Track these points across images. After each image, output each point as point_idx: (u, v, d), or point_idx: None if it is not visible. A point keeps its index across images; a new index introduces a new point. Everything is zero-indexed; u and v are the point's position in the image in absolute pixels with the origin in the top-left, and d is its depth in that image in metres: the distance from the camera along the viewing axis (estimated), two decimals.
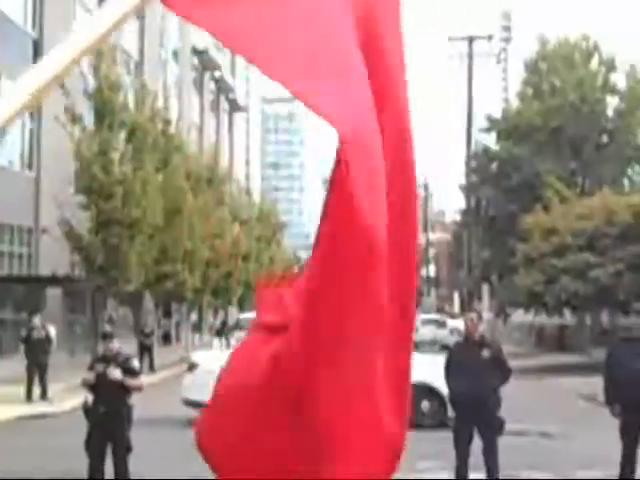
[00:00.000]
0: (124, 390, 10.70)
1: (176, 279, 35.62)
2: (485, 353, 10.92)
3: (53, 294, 32.02)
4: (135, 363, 11.09)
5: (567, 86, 40.27)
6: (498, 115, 46.21)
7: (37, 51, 31.91)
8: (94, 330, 32.16)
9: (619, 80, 41.72)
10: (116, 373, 10.61)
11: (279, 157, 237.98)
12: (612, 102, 41.62)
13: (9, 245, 30.16)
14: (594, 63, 41.76)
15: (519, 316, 53.06)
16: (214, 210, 42.48)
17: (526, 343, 49.74)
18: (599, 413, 19.93)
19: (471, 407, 10.75)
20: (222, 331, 41.61)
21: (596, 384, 21.66)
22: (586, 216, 32.29)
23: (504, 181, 40.75)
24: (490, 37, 51.17)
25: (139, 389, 10.92)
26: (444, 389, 17.36)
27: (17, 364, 24.68)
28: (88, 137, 28.71)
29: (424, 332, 52.06)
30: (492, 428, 10.86)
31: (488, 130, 43.91)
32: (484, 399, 10.76)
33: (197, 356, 20.39)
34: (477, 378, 10.73)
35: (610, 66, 41.66)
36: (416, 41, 49.57)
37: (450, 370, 11.18)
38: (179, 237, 34.97)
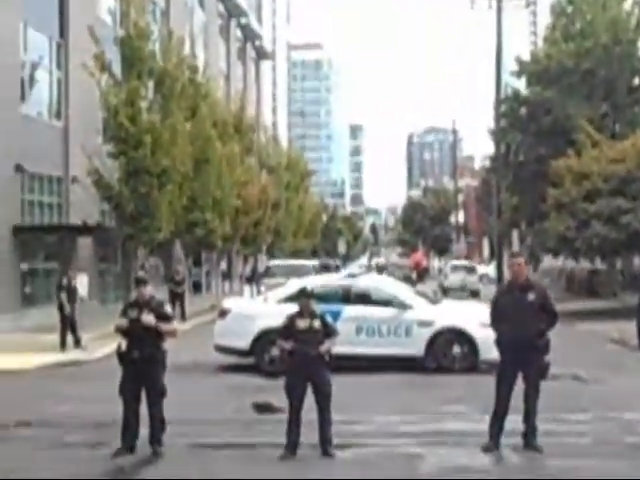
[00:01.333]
0: (158, 335, 10.77)
1: (206, 227, 35.72)
2: (531, 296, 10.86)
3: (84, 243, 32.25)
4: (168, 308, 11.13)
5: (599, 27, 39.59)
6: (527, 59, 45.53)
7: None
8: (125, 279, 32.43)
9: None
10: (150, 318, 10.68)
11: (306, 105, 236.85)
12: None
13: (39, 195, 30.32)
14: (627, 4, 40.99)
15: (549, 261, 52.94)
16: (242, 158, 42.45)
17: (556, 288, 49.59)
18: (630, 357, 19.99)
19: (518, 351, 10.69)
20: (252, 278, 41.85)
21: (626, 329, 21.67)
22: (618, 160, 31.92)
23: (534, 125, 40.25)
24: None
25: (173, 334, 10.99)
26: (475, 334, 17.53)
27: (50, 313, 24.94)
28: (116, 86, 28.66)
29: (453, 278, 52.16)
30: (538, 372, 10.83)
31: (518, 74, 43.32)
32: (531, 342, 10.71)
33: (228, 303, 20.52)
34: (524, 321, 10.67)
35: None
36: None
37: (496, 314, 11.12)
38: (208, 185, 35.00)
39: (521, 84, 44.50)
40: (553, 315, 11.01)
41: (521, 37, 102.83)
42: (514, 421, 10.90)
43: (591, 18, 40.71)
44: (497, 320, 11.07)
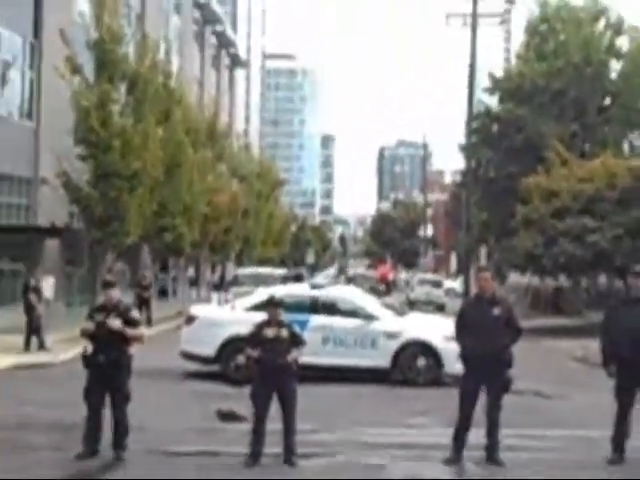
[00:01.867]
0: (124, 340, 10.73)
1: (175, 233, 35.62)
2: (496, 311, 10.95)
3: (51, 245, 32.03)
4: (135, 313, 11.10)
5: (571, 47, 39.99)
6: (500, 75, 45.90)
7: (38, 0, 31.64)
8: (92, 282, 32.23)
9: (624, 44, 41.45)
10: (116, 323, 10.64)
11: (279, 114, 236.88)
12: (616, 65, 41.36)
13: (8, 196, 30.08)
14: (600, 25, 41.46)
15: (515, 278, 53.21)
16: (214, 165, 42.39)
17: (522, 305, 49.86)
18: (592, 375, 20.15)
19: (482, 364, 10.78)
20: (220, 286, 41.76)
21: (590, 347, 21.84)
22: (587, 179, 32.24)
23: (505, 142, 40.55)
24: None
25: (140, 340, 10.95)
26: (440, 347, 17.62)
27: (15, 314, 24.74)
28: (87, 88, 28.53)
29: (420, 291, 52.32)
30: (500, 386, 10.91)
31: (491, 91, 43.64)
32: (495, 356, 10.79)
33: (196, 309, 20.48)
34: (488, 335, 10.75)
35: (617, 29, 41.37)
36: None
37: (461, 327, 11.20)
38: (179, 191, 34.91)
39: (493, 101, 44.83)
40: (517, 330, 11.11)
41: (494, 53, 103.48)
42: (477, 435, 10.97)
43: (564, 38, 41.16)
44: (462, 333, 11.16)
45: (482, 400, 10.98)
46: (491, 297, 11.11)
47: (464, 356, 11.11)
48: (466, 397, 10.93)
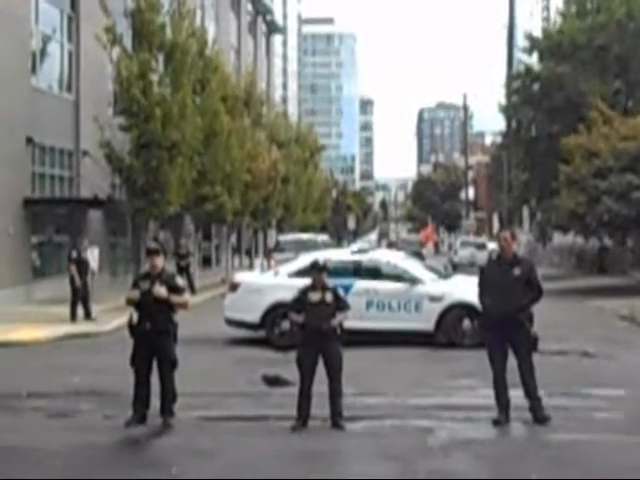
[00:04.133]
0: (169, 307, 10.81)
1: (215, 201, 35.72)
2: (516, 271, 10.91)
3: (94, 216, 32.32)
4: (179, 280, 11.16)
5: (614, 3, 39.26)
6: (539, 35, 45.29)
7: None
8: (135, 252, 32.53)
9: None
10: (162, 290, 10.70)
11: (317, 79, 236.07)
12: None
13: (50, 168, 30.36)
14: None
15: (559, 238, 52.83)
16: (252, 133, 42.35)
17: (566, 265, 49.57)
18: (638, 333, 20.01)
19: (502, 323, 10.79)
20: (249, 252, 42.56)
21: (636, 306, 21.71)
22: (629, 137, 31.78)
23: (546, 101, 39.99)
24: None
25: (184, 306, 11.02)
26: None
27: (61, 285, 25.05)
28: (127, 58, 28.61)
29: (463, 254, 52.18)
30: (526, 345, 10.89)
31: (530, 49, 43.04)
32: (514, 316, 10.78)
33: (239, 276, 20.57)
34: (507, 296, 10.75)
35: None
36: None
37: (482, 288, 11.20)
38: (217, 159, 34.95)
39: (533, 60, 44.26)
40: (538, 290, 11.07)
41: (533, 12, 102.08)
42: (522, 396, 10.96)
43: None
44: (483, 293, 11.17)
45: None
46: (512, 257, 11.07)
47: (485, 315, 11.13)
48: (494, 356, 10.98)
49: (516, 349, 10.90)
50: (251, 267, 41.17)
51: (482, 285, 11.22)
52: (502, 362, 10.92)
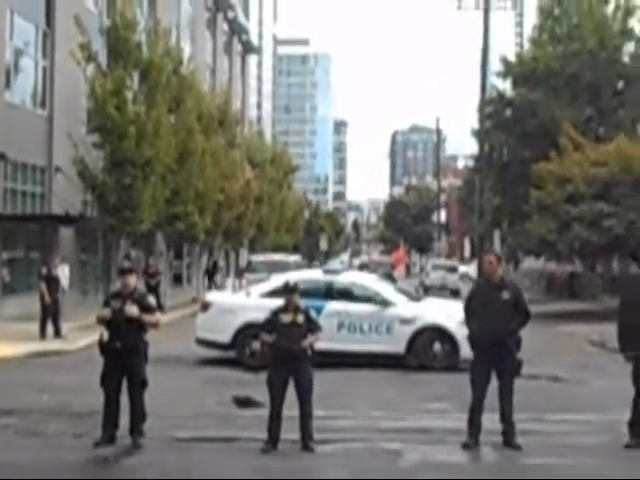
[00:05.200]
0: (140, 326, 10.76)
1: (188, 220, 35.63)
2: (505, 295, 10.94)
3: (66, 234, 32.12)
4: (151, 300, 11.11)
5: (585, 31, 39.73)
6: (512, 60, 45.71)
7: None
8: (106, 270, 32.35)
9: (636, 26, 41.21)
10: (133, 309, 10.65)
11: (291, 100, 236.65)
12: (629, 48, 41.09)
13: (22, 184, 30.15)
14: (610, 7, 41.19)
15: (529, 262, 53.17)
16: (226, 152, 42.33)
17: (536, 289, 49.87)
18: (609, 359, 20.12)
19: (490, 348, 10.81)
20: (212, 273, 42.83)
21: (606, 331, 21.79)
22: (601, 163, 32.07)
23: (519, 127, 40.35)
24: None
25: (156, 326, 10.96)
26: (456, 332, 17.58)
27: (32, 302, 24.84)
28: (102, 76, 28.56)
29: (434, 277, 52.33)
30: (510, 369, 10.92)
31: (504, 75, 43.40)
32: (503, 340, 10.81)
33: (211, 296, 20.52)
34: (496, 319, 10.76)
35: (627, 10, 41.11)
36: None
37: (469, 311, 11.21)
38: (191, 178, 34.89)
39: (506, 85, 44.64)
40: (526, 314, 11.12)
41: (507, 37, 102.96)
42: (494, 419, 10.97)
43: (578, 21, 40.91)
44: (470, 317, 11.18)
45: (495, 384, 10.98)
46: (499, 281, 11.10)
47: (473, 340, 11.14)
48: (477, 381, 10.96)
49: (501, 374, 10.93)
50: (209, 288, 41.41)
51: (469, 309, 11.24)
52: (484, 387, 10.93)
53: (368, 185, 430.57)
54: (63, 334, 22.69)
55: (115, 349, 10.65)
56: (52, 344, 21.54)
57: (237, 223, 45.60)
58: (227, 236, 45.68)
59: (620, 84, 40.77)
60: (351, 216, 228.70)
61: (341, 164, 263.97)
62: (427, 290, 48.22)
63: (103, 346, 10.78)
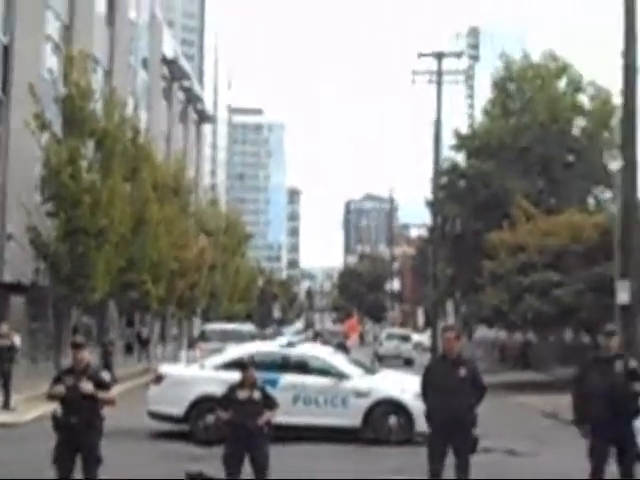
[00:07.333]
0: (95, 402, 10.54)
1: (141, 289, 35.38)
2: (462, 372, 10.96)
3: (16, 302, 31.66)
4: (106, 375, 10.93)
5: (537, 105, 40.58)
6: (465, 132, 46.48)
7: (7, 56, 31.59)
8: (57, 338, 31.88)
9: (585, 101, 42.20)
10: (89, 387, 10.41)
11: (245, 168, 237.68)
12: (580, 122, 42.01)
13: None
14: (562, 83, 42.17)
15: (482, 331, 53.37)
16: (180, 220, 42.31)
17: (489, 359, 49.99)
18: (563, 431, 20.14)
19: (447, 424, 10.79)
20: (143, 342, 42.58)
21: (560, 403, 21.86)
22: (552, 233, 32.49)
23: (472, 198, 40.88)
24: (460, 54, 51.69)
25: (112, 403, 10.75)
26: (411, 405, 17.51)
27: None
28: (57, 144, 28.50)
29: (388, 346, 52.32)
30: (467, 446, 10.90)
31: (457, 148, 44.06)
32: (461, 417, 10.80)
33: (164, 368, 20.26)
34: (454, 396, 10.77)
35: (577, 87, 42.12)
36: (384, 56, 49.94)
37: (426, 387, 11.20)
38: (145, 247, 34.74)
39: (460, 156, 45.28)
40: (482, 389, 11.18)
41: (459, 109, 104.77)
42: None
43: (530, 95, 41.77)
44: (427, 393, 11.21)
45: (451, 459, 10.94)
46: (456, 357, 11.14)
47: (430, 416, 11.12)
48: (434, 457, 10.93)
49: (457, 450, 10.90)
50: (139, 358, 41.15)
51: (426, 385, 11.23)
52: (441, 461, 10.90)
53: (322, 253, 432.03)
54: (12, 405, 22.22)
55: (70, 424, 10.39)
56: (0, 417, 21.07)
57: (190, 291, 45.40)
58: (180, 305, 45.42)
59: (570, 157, 41.55)
60: (305, 284, 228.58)
61: (294, 232, 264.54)
62: (381, 359, 48.14)
63: (57, 421, 10.53)
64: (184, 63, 65.76)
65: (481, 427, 11.07)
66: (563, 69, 42.19)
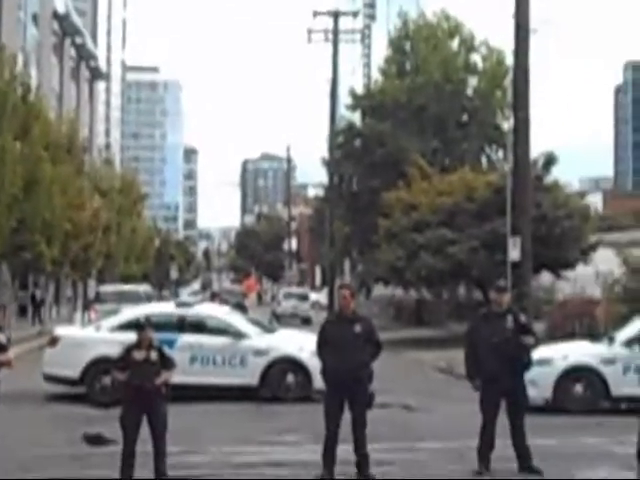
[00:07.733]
0: None
1: (34, 250, 34.64)
2: (357, 328, 11.10)
3: None
4: (2, 337, 10.74)
5: (431, 65, 41.00)
6: (361, 91, 46.68)
7: None
8: None
9: (478, 61, 42.79)
10: None
11: (140, 127, 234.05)
12: (473, 82, 42.63)
13: None
14: (455, 43, 42.68)
15: (379, 290, 54.05)
16: (74, 180, 41.48)
17: (385, 316, 50.68)
18: (457, 386, 20.63)
19: (343, 382, 10.93)
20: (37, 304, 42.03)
21: (453, 358, 22.35)
22: (446, 192, 33.00)
23: (367, 157, 41.20)
24: (356, 14, 51.77)
25: (9, 364, 10.58)
26: (309, 363, 17.67)
27: None
28: None
29: (286, 305, 52.52)
30: (363, 402, 11.07)
31: (353, 107, 44.26)
32: (356, 374, 10.95)
33: (59, 330, 19.98)
34: (349, 353, 10.91)
35: (469, 46, 42.65)
36: (281, 14, 49.69)
37: (322, 345, 11.32)
38: (38, 208, 33.98)
39: (356, 116, 45.52)
40: (377, 346, 11.35)
41: (355, 71, 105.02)
42: (348, 451, 11.07)
43: (424, 55, 42.15)
44: (323, 350, 11.32)
45: (348, 415, 11.11)
46: (352, 315, 11.28)
47: (325, 373, 11.25)
48: (330, 414, 11.06)
49: (353, 406, 11.03)
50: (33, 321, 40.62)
51: (321, 342, 11.34)
52: (337, 419, 11.02)
53: (219, 213, 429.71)
54: None
55: None
56: None
57: (85, 253, 44.63)
58: (75, 266, 44.64)
59: (464, 117, 42.20)
60: (202, 244, 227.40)
61: (191, 192, 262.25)
62: (279, 318, 48.32)
63: None
64: (76, 18, 64.19)
65: (377, 383, 11.27)
66: (456, 28, 42.65)
